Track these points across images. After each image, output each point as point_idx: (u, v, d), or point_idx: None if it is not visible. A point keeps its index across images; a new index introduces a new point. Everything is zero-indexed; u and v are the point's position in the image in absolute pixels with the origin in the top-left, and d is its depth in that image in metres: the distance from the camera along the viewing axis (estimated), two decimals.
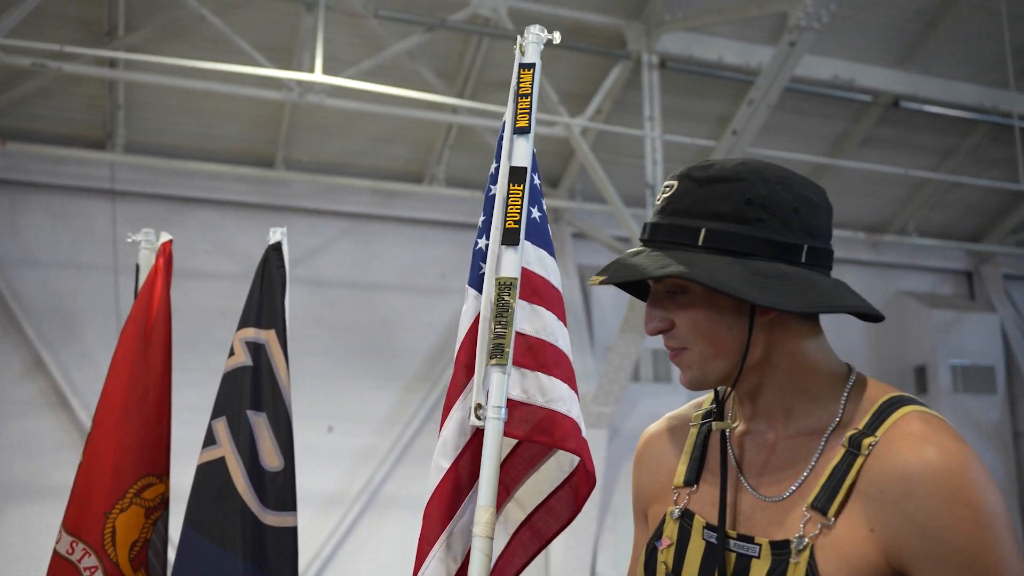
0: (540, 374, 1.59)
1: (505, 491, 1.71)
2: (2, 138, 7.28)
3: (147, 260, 2.04)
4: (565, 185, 9.52)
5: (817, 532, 1.04)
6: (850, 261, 11.17)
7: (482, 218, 1.68)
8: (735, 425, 1.20)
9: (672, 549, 1.18)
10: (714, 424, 1.19)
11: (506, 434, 1.56)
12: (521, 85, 1.69)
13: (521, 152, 1.65)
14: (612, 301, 9.47)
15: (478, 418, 1.54)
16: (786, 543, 1.06)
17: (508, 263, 1.58)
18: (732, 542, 1.11)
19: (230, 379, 1.89)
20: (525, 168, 1.64)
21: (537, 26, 1.71)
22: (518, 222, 1.60)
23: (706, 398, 1.31)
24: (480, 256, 1.67)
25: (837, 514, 1.04)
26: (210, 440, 1.87)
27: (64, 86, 7.42)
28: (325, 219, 8.64)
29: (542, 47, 1.71)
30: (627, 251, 1.19)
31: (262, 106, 7.83)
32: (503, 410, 1.50)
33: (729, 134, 8.54)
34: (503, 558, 1.70)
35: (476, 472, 1.58)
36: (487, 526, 1.43)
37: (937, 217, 11.46)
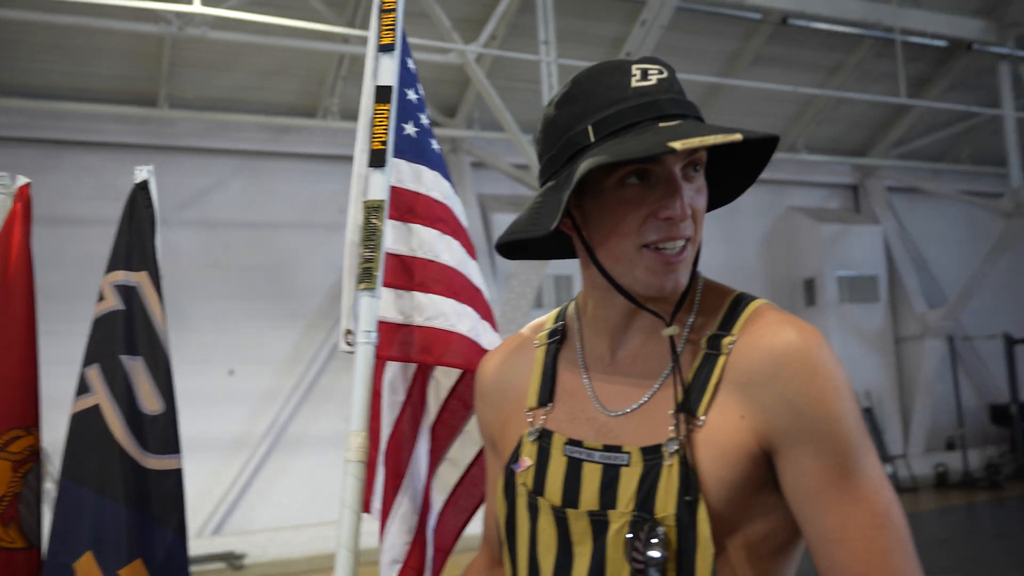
0: (417, 293, 1.55)
1: (439, 451, 1.68)
2: None
3: (3, 205, 1.93)
4: (462, 114, 9.43)
5: (688, 432, 1.05)
6: None
7: None
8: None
9: (532, 470, 1.15)
10: (665, 331, 1.09)
11: (382, 356, 1.51)
12: (384, 0, 1.60)
13: (386, 70, 1.56)
14: None
15: (348, 344, 1.49)
16: (657, 447, 1.06)
17: (375, 185, 1.52)
18: (598, 454, 1.10)
19: (101, 324, 1.83)
20: (390, 87, 1.55)
21: None
22: (384, 143, 1.54)
23: (546, 319, 1.28)
24: None
25: (706, 412, 1.05)
26: (83, 388, 1.82)
27: None
28: (215, 158, 8.37)
29: None
30: (660, 122, 1.04)
31: (140, 41, 7.46)
32: (373, 334, 1.45)
33: (623, 56, 8.57)
34: (442, 521, 1.68)
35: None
36: (359, 450, 1.40)
37: (825, 133, 11.82)
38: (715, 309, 1.11)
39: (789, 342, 1.03)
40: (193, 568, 6.19)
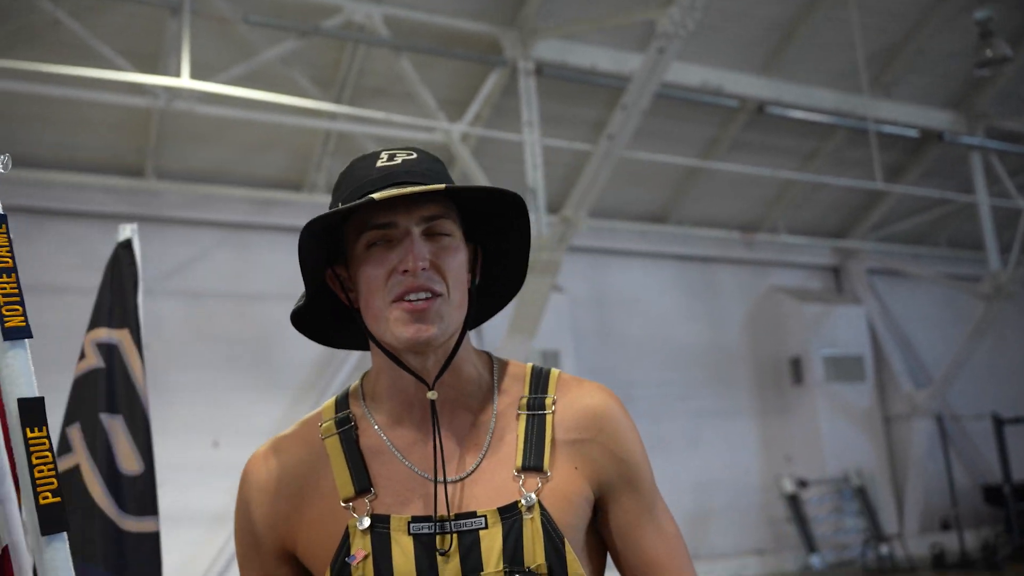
0: None
1: None
2: None
3: None
4: None
5: (540, 486, 1.14)
6: (727, 259, 11.57)
7: None
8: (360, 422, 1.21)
9: (369, 560, 1.11)
10: (428, 394, 1.14)
11: None
12: None
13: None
14: None
15: None
16: (513, 505, 1.12)
17: None
18: (451, 523, 1.11)
19: (82, 383, 1.79)
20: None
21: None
22: None
23: (319, 412, 1.27)
24: None
25: (551, 467, 1.15)
26: (64, 448, 1.77)
27: None
28: (200, 229, 8.38)
29: None
30: (391, 188, 1.10)
31: (128, 114, 7.54)
32: None
33: (605, 138, 8.74)
34: None
35: None
36: None
37: (804, 215, 12.01)
38: (517, 378, 1.21)
39: (603, 401, 1.20)
40: None
